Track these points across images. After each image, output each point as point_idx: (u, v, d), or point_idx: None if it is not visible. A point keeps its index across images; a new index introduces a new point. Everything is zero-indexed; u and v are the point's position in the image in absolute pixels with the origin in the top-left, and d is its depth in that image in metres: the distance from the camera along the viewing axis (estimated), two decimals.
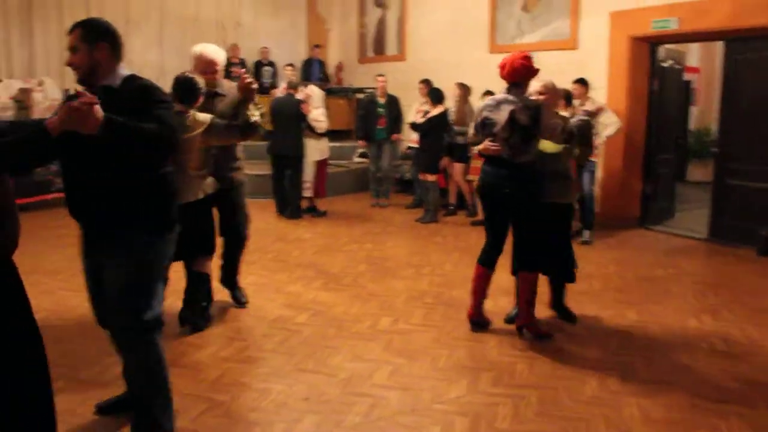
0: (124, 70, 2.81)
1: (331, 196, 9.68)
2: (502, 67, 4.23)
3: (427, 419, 3.25)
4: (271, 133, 7.96)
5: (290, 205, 8.16)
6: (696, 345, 4.28)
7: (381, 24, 11.72)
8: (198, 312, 4.42)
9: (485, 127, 4.26)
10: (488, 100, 4.38)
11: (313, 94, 8.12)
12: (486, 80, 9.05)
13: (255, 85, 4.26)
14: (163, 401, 2.87)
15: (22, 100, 8.69)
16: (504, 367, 3.88)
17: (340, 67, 12.91)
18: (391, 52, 11.54)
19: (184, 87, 4.05)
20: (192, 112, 4.04)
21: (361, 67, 12.34)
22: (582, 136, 4.39)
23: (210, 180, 4.27)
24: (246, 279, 5.50)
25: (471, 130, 4.60)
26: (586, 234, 7.06)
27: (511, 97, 4.19)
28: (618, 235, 7.41)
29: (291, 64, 11.12)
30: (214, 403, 3.39)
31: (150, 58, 11.68)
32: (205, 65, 4.47)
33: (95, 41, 2.71)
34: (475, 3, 9.44)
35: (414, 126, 8.29)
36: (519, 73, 4.18)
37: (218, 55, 4.52)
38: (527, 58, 4.23)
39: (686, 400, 3.49)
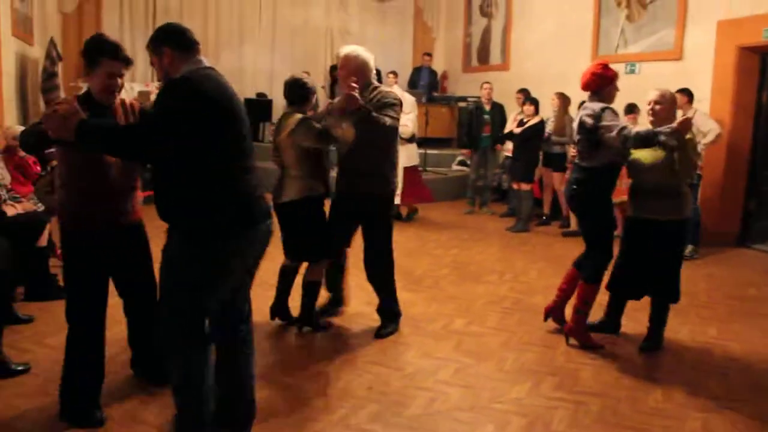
0: (194, 66, 2.71)
1: (426, 203, 9.86)
2: (581, 78, 4.29)
3: (484, 417, 3.35)
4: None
5: None
6: None
7: (486, 33, 11.79)
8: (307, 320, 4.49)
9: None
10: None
11: (403, 99, 8.27)
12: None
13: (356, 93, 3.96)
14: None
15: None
16: (569, 373, 3.90)
17: (444, 76, 13.08)
18: (495, 61, 11.58)
19: (290, 88, 4.21)
20: (293, 113, 4.13)
21: (465, 76, 12.45)
22: (646, 141, 3.98)
23: (315, 183, 4.21)
24: None
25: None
26: (689, 248, 6.88)
27: (587, 104, 4.23)
28: (716, 251, 7.11)
29: (394, 72, 11.40)
30: (285, 385, 3.64)
31: (261, 65, 12.32)
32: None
33: (159, 49, 2.74)
34: (580, 13, 9.33)
35: (509, 135, 8.33)
36: (590, 82, 4.23)
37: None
38: (600, 67, 4.26)
39: (756, 419, 3.39)
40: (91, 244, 3.11)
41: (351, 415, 3.33)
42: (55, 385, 3.23)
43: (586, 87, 4.25)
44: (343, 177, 4.39)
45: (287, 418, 3.27)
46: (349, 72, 4.17)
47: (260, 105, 11.73)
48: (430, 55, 12.64)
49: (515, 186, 8.35)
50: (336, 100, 4.22)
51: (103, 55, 3.04)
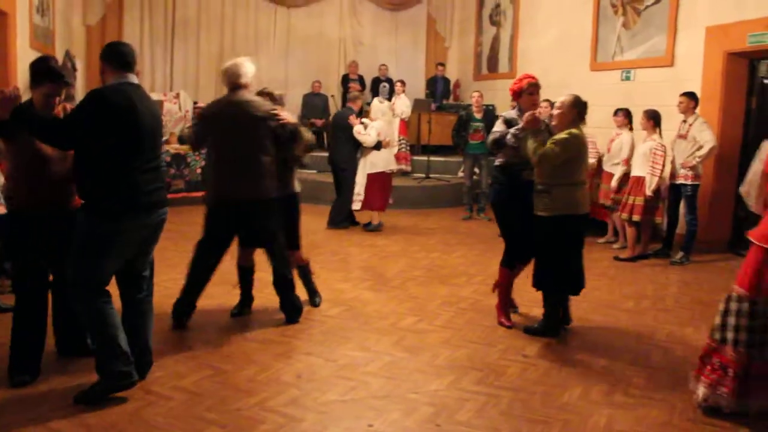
0: (124, 79, 3.39)
1: (428, 209, 9.99)
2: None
3: (394, 405, 3.48)
4: (329, 145, 8.44)
5: (331, 214, 8.39)
6: None
7: (495, 42, 11.89)
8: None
9: None
10: None
11: (372, 107, 8.38)
12: (588, 97, 8.98)
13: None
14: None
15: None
16: (496, 369, 4.00)
17: (457, 84, 13.20)
18: (503, 69, 11.66)
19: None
20: None
21: (476, 84, 12.53)
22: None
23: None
24: None
25: None
26: (679, 255, 6.86)
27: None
28: (703, 258, 7.05)
29: (402, 81, 11.61)
30: (219, 371, 3.84)
31: (276, 74, 12.62)
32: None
33: (102, 63, 3.45)
34: (580, 21, 9.37)
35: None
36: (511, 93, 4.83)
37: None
38: (515, 81, 4.80)
39: (664, 417, 3.43)
40: (36, 225, 3.56)
41: (270, 399, 3.50)
42: None
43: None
44: None
45: (209, 398, 3.46)
46: None
47: None
48: (443, 65, 12.78)
49: None
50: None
51: (46, 78, 3.51)
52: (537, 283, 4.57)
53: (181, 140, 6.04)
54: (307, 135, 4.91)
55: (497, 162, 4.85)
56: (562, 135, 4.39)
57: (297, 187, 5.06)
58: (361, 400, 3.53)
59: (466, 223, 9.18)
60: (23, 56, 7.88)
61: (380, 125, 8.11)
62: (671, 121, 6.97)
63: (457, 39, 13.41)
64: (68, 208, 3.60)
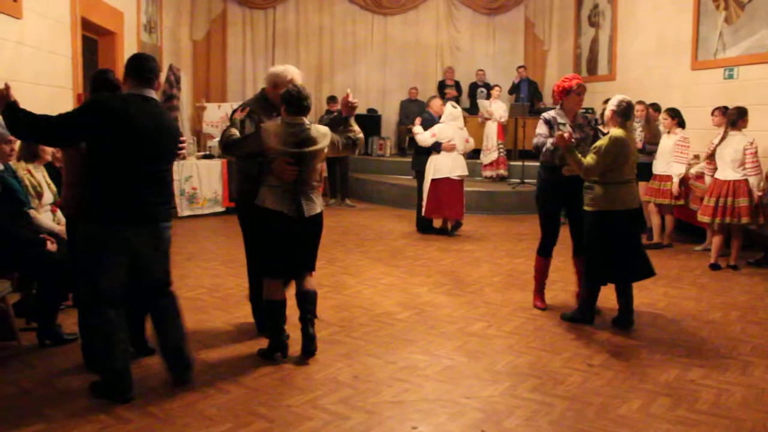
0: (139, 92, 3.49)
1: (523, 214, 9.79)
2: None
3: (442, 408, 3.49)
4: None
5: (416, 219, 8.46)
6: None
7: (594, 44, 11.55)
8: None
9: None
10: None
11: (444, 110, 8.18)
12: (690, 98, 8.59)
13: (356, 103, 4.45)
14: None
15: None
16: (556, 377, 3.91)
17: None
18: (602, 71, 11.31)
19: (297, 99, 4.00)
20: (313, 124, 4.15)
21: None
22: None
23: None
24: (383, 279, 6.08)
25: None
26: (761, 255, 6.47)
27: None
28: None
29: (498, 86, 11.52)
30: (280, 368, 3.99)
31: (373, 80, 12.87)
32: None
33: (123, 77, 3.64)
34: (680, 19, 8.94)
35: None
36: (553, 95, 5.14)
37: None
38: (565, 79, 5.04)
39: None
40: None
41: (323, 397, 3.60)
42: None
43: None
44: None
45: (265, 393, 3.61)
46: None
47: (370, 120, 12.27)
48: (524, 67, 12.53)
49: None
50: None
51: (102, 89, 3.80)
52: (585, 273, 4.90)
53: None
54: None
55: (540, 160, 5.11)
56: (602, 141, 4.62)
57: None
58: (411, 403, 3.56)
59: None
60: None
61: (441, 127, 7.99)
62: None
63: (556, 42, 13.11)
64: None
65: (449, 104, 8.26)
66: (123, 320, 3.54)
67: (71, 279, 4.16)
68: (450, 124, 8.07)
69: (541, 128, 4.96)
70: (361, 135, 4.48)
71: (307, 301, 4.19)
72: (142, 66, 3.53)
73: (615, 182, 4.63)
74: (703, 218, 6.72)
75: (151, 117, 3.48)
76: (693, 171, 7.34)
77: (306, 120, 4.08)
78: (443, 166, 7.99)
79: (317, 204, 4.18)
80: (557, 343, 4.48)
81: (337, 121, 4.55)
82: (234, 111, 4.44)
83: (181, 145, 3.76)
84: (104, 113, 3.36)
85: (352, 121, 4.46)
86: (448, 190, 8.03)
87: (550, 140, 4.80)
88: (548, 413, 3.44)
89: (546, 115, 5.03)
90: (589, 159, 4.61)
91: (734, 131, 6.47)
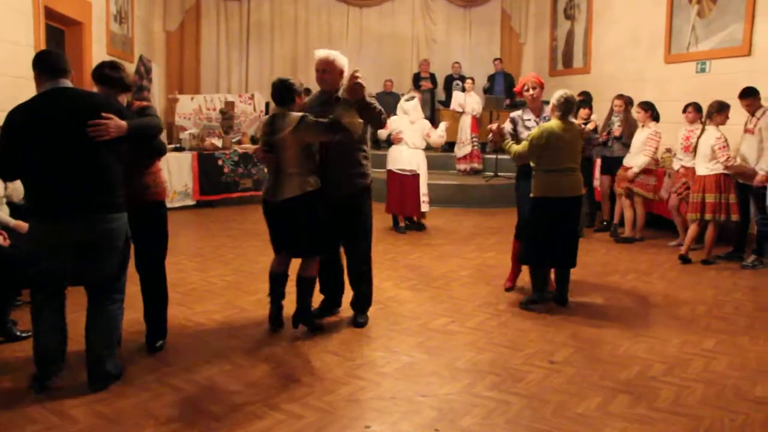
0: (55, 85, 3.44)
1: (496, 208, 9.76)
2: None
3: (397, 407, 3.41)
4: None
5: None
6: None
7: (570, 36, 11.52)
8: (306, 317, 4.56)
9: None
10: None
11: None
12: (663, 91, 8.57)
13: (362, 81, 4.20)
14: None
15: (227, 110, 10.11)
16: (516, 374, 3.84)
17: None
18: (577, 64, 11.29)
19: (279, 90, 4.31)
20: (288, 112, 4.25)
21: (552, 80, 12.13)
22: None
23: (313, 179, 4.32)
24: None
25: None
26: (751, 258, 6.44)
27: None
28: None
29: (472, 78, 11.45)
30: (237, 365, 3.90)
31: (348, 72, 12.69)
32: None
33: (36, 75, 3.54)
34: (653, 11, 8.92)
35: None
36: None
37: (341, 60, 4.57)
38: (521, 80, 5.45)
39: None
40: None
41: (276, 395, 3.52)
42: None
43: None
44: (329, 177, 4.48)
45: (219, 392, 3.51)
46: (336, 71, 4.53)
47: None
48: (500, 59, 12.48)
49: None
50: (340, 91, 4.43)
51: (100, 83, 3.78)
52: (519, 256, 5.30)
53: (253, 140, 6.10)
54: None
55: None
56: (533, 131, 4.93)
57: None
58: (366, 401, 3.48)
59: None
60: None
61: (393, 119, 7.76)
62: (744, 114, 6.51)
63: (533, 34, 13.08)
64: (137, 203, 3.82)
65: (402, 98, 8.10)
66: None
67: (24, 274, 4.11)
68: (401, 117, 7.83)
69: (508, 126, 5.32)
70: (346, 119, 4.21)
71: (298, 286, 4.49)
72: (47, 59, 3.49)
73: (552, 170, 4.91)
74: (693, 216, 6.65)
75: (69, 107, 3.37)
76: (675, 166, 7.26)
77: (286, 110, 4.30)
78: (392, 159, 7.85)
79: (288, 189, 4.24)
80: (520, 340, 4.42)
81: (327, 102, 4.45)
82: None
83: (93, 123, 3.35)
84: (8, 125, 3.38)
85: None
86: (400, 186, 7.80)
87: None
88: (505, 412, 3.38)
89: (513, 114, 5.39)
90: (520, 146, 5.01)
91: (710, 125, 6.45)
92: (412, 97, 7.97)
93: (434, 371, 3.89)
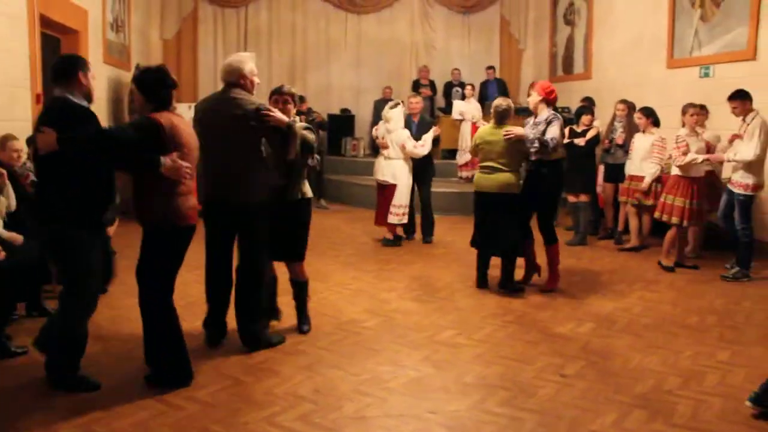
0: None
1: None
2: (553, 92, 5.79)
3: (405, 425, 3.29)
4: None
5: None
6: None
7: (570, 42, 11.45)
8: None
9: None
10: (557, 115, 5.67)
11: (414, 108, 7.87)
12: (665, 96, 8.47)
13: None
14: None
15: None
16: (527, 389, 3.72)
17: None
18: (578, 70, 11.21)
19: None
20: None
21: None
22: None
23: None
24: (352, 284, 5.87)
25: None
26: (733, 270, 6.26)
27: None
28: None
29: (471, 85, 11.37)
30: (238, 382, 3.77)
31: (347, 80, 12.66)
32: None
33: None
34: (655, 16, 8.83)
35: (568, 147, 7.98)
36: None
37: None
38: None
39: None
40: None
41: (281, 413, 3.39)
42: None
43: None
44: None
45: (221, 410, 3.39)
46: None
47: (344, 120, 12.06)
48: (493, 67, 12.40)
49: (573, 198, 7.98)
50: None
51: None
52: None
53: None
54: (309, 136, 4.38)
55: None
56: None
57: (308, 192, 4.58)
58: (372, 419, 3.36)
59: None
60: (96, 72, 8.19)
61: (378, 125, 7.62)
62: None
63: (532, 40, 13.00)
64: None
65: (387, 104, 7.80)
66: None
67: (20, 289, 4.02)
68: (382, 124, 7.56)
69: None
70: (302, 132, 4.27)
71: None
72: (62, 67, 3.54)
73: (480, 168, 5.80)
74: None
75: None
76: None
77: None
78: (375, 169, 7.69)
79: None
80: (529, 352, 4.30)
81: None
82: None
83: None
84: None
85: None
86: (380, 196, 7.60)
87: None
88: (518, 429, 3.26)
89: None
90: None
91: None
92: (397, 104, 7.57)
93: (442, 386, 3.77)
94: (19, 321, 4.62)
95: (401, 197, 7.44)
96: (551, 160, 5.62)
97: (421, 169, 7.67)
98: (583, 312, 5.16)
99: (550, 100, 5.70)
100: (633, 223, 7.47)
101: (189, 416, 3.34)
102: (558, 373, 3.96)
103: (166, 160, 3.48)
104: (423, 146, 7.42)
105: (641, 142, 7.29)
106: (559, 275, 5.83)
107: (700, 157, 6.31)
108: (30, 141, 5.01)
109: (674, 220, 6.42)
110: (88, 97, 3.61)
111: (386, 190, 7.48)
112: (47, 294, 5.04)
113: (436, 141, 7.77)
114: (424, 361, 4.14)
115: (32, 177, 5.29)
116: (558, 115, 5.68)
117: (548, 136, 5.45)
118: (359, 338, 4.54)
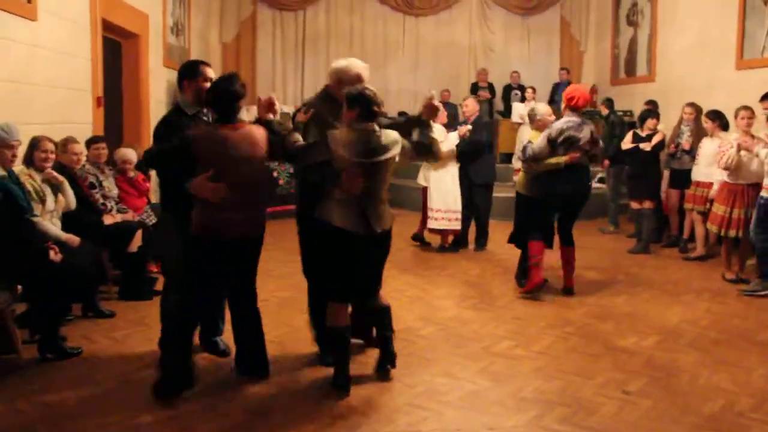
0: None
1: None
2: (574, 98, 5.56)
3: None
4: None
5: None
6: None
7: (633, 43, 11.11)
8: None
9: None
10: (569, 122, 5.54)
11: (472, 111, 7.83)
12: (734, 99, 8.12)
13: (441, 107, 4.17)
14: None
15: (282, 122, 10.05)
16: (588, 406, 3.59)
17: (594, 90, 12.47)
18: (641, 72, 10.86)
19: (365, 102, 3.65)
20: (384, 130, 3.72)
21: (613, 89, 11.78)
22: None
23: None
24: (408, 291, 5.81)
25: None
26: (754, 282, 5.89)
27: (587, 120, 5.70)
28: None
29: (533, 88, 11.17)
30: (293, 395, 3.74)
31: (405, 83, 12.59)
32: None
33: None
34: (724, 15, 8.46)
35: (634, 151, 7.72)
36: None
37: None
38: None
39: None
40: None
41: (329, 425, 3.35)
42: (101, 374, 3.82)
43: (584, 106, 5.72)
44: None
45: (270, 421, 3.37)
46: None
47: None
48: (566, 69, 12.12)
49: (636, 205, 7.72)
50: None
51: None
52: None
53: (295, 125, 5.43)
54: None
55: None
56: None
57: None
58: None
59: (603, 237, 8.56)
60: (156, 75, 8.39)
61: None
62: None
63: (593, 42, 12.68)
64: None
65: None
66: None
67: (76, 290, 4.09)
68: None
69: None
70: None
71: (384, 318, 3.98)
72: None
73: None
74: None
75: None
76: None
77: (376, 126, 3.68)
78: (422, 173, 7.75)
79: (387, 218, 3.85)
80: (590, 367, 4.15)
81: (410, 123, 4.21)
82: (296, 112, 4.14)
83: None
84: None
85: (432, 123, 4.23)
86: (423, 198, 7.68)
87: None
88: None
89: None
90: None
91: None
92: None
93: (499, 400, 3.66)
94: (75, 322, 4.71)
95: (437, 201, 7.28)
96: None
97: (474, 173, 7.46)
98: (646, 324, 4.96)
99: (572, 107, 5.56)
100: (699, 231, 7.18)
101: (235, 426, 3.33)
102: (621, 389, 3.81)
103: (194, 181, 3.50)
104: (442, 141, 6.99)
105: (708, 147, 7.00)
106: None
107: (733, 147, 6.10)
108: None
109: (731, 233, 6.16)
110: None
111: (423, 193, 7.53)
112: (103, 295, 5.16)
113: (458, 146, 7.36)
114: (481, 373, 4.04)
115: (90, 179, 5.44)
116: (555, 125, 5.56)
117: (533, 144, 5.62)
118: (414, 348, 4.46)
